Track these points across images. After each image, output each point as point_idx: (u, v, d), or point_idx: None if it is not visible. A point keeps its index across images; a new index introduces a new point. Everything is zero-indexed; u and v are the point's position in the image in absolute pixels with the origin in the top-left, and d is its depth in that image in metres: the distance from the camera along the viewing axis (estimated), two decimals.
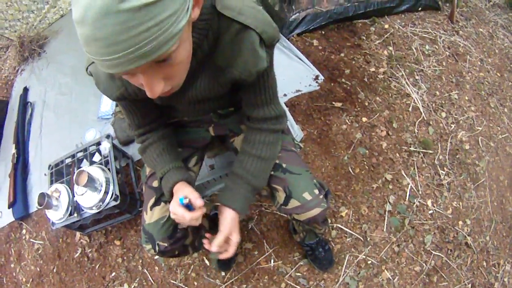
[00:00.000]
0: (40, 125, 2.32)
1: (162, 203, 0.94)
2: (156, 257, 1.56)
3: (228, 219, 0.85)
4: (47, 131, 2.26)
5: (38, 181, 2.04)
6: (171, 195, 0.86)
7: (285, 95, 1.90)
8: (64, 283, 1.71)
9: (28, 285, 1.76)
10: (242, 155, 0.89)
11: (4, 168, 2.21)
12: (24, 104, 2.47)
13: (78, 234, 1.78)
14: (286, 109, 1.80)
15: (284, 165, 0.92)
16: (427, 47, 2.28)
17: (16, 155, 2.13)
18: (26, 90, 2.59)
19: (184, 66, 0.59)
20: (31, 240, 1.88)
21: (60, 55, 2.77)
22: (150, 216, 0.93)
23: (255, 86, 0.78)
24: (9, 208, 1.98)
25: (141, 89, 0.60)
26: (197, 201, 0.80)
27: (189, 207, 0.80)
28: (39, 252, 1.83)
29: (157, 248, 0.94)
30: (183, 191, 0.83)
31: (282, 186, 0.91)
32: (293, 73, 1.98)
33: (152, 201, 0.94)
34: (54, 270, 1.74)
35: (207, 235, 0.89)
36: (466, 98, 2.15)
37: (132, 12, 0.43)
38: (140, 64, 0.49)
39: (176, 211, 0.80)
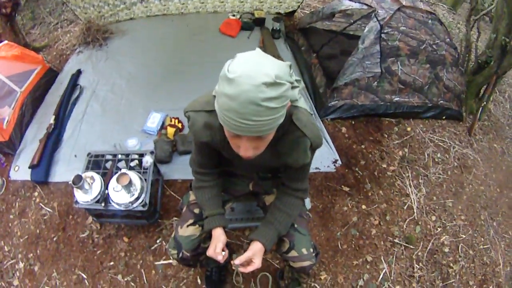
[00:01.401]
0: (83, 111, 2.41)
1: (197, 225, 1.25)
2: (174, 262, 1.79)
3: (256, 247, 1.11)
4: (89, 119, 2.37)
5: (67, 159, 2.15)
6: (210, 232, 1.18)
7: None
8: (60, 253, 1.83)
9: (21, 240, 1.87)
10: (275, 209, 1.18)
11: (35, 130, 2.29)
12: (74, 84, 2.53)
13: (90, 218, 1.87)
14: None
15: (295, 225, 1.23)
16: (438, 155, 2.54)
17: (53, 126, 2.22)
18: (79, 72, 2.64)
19: (267, 143, 0.87)
20: (41, 204, 1.97)
21: (120, 56, 2.84)
22: (184, 230, 1.24)
23: (297, 169, 1.10)
24: (29, 168, 2.02)
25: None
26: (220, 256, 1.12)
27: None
28: (45, 218, 1.92)
29: (180, 254, 1.23)
30: (219, 238, 1.14)
31: (289, 240, 1.21)
32: (317, 152, 2.21)
33: (190, 221, 1.25)
34: (54, 239, 1.87)
35: (236, 260, 1.11)
36: (460, 207, 2.40)
37: (266, 108, 0.70)
38: (252, 135, 0.76)
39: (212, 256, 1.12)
